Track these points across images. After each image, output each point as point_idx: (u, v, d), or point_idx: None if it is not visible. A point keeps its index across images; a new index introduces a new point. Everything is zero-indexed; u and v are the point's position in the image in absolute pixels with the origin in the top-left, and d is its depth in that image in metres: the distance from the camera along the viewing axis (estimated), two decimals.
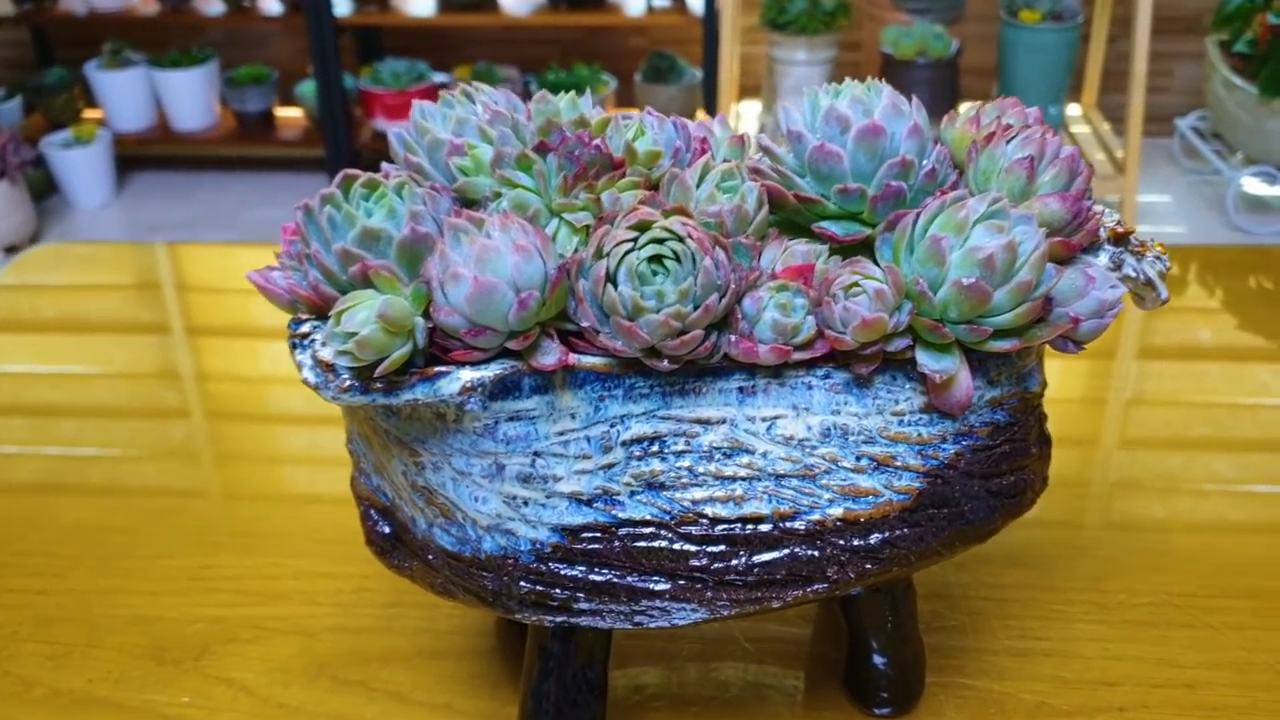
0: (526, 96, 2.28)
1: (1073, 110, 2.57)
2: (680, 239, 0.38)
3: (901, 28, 2.30)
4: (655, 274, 0.38)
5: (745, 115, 2.63)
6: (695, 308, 0.37)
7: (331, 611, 0.58)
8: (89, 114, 2.82)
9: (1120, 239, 0.44)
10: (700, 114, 2.59)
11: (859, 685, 0.51)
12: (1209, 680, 0.53)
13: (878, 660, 0.49)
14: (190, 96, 2.72)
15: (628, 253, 0.38)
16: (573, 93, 0.44)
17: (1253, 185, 2.42)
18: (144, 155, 2.83)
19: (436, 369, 0.37)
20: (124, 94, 2.72)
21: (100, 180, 2.68)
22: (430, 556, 0.42)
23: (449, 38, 2.84)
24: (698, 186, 0.41)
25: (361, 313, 0.36)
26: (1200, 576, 0.59)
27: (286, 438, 0.76)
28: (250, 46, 2.90)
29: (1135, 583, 0.58)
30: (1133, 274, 0.44)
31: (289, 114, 2.82)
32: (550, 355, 0.38)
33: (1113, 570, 0.59)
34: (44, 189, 2.65)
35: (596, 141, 0.41)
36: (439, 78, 2.69)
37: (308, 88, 2.67)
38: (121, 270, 1.00)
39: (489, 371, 0.38)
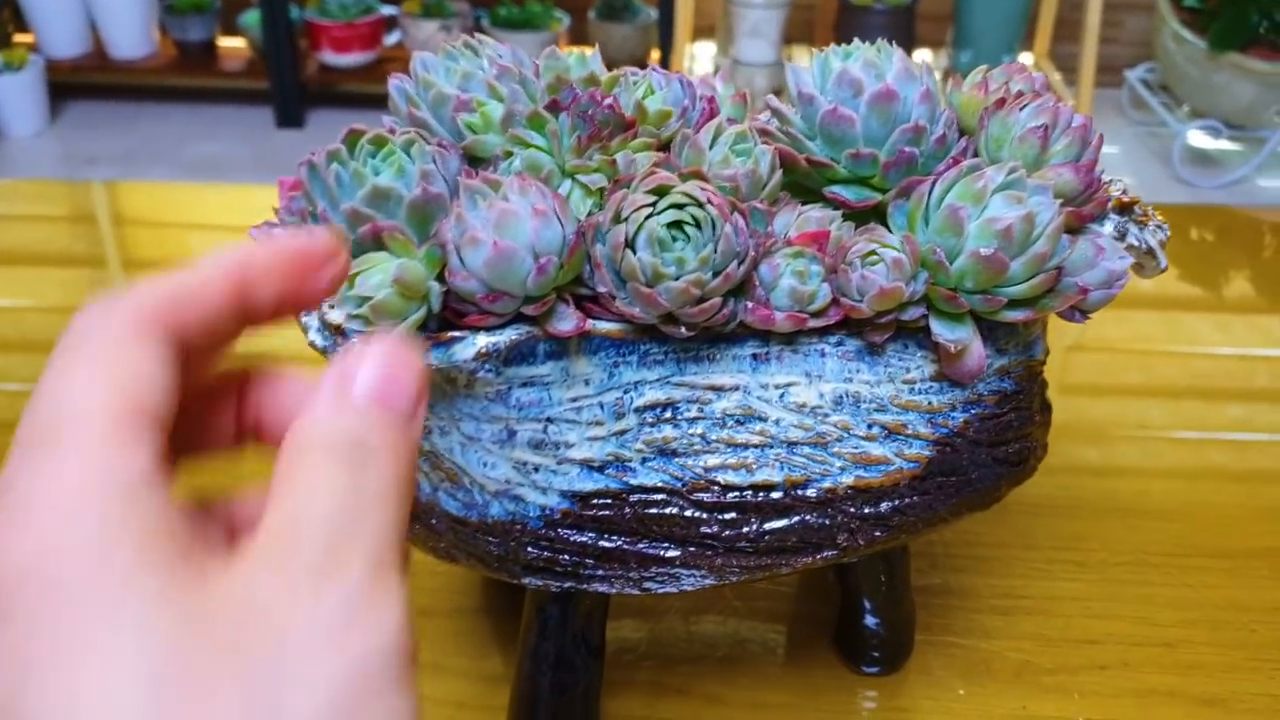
0: (477, 31, 2.24)
1: (1026, 59, 2.58)
2: (700, 204, 0.37)
3: None
4: (675, 240, 0.37)
5: (699, 56, 2.61)
6: (715, 275, 0.37)
7: None
8: (19, 38, 2.72)
9: (1125, 208, 0.44)
10: (654, 54, 2.56)
11: (850, 644, 0.51)
12: (1187, 639, 0.54)
13: (870, 620, 0.50)
14: (128, 23, 2.63)
15: (647, 218, 0.37)
16: (583, 49, 0.43)
17: (1198, 139, 2.45)
18: (79, 83, 2.74)
19: (451, 334, 0.36)
20: (56, 18, 2.63)
21: (33, 108, 2.59)
22: (434, 521, 0.42)
23: None
24: (710, 149, 0.41)
25: (376, 276, 0.35)
26: (1176, 537, 0.60)
27: None
28: None
29: (1114, 542, 0.59)
30: (1136, 243, 0.44)
31: (232, 44, 2.74)
32: (568, 321, 0.37)
33: (1092, 530, 0.60)
34: None
35: (609, 101, 0.40)
36: (387, 10, 2.63)
37: (251, 17, 2.60)
38: (56, 203, 0.98)
39: (504, 337, 0.37)
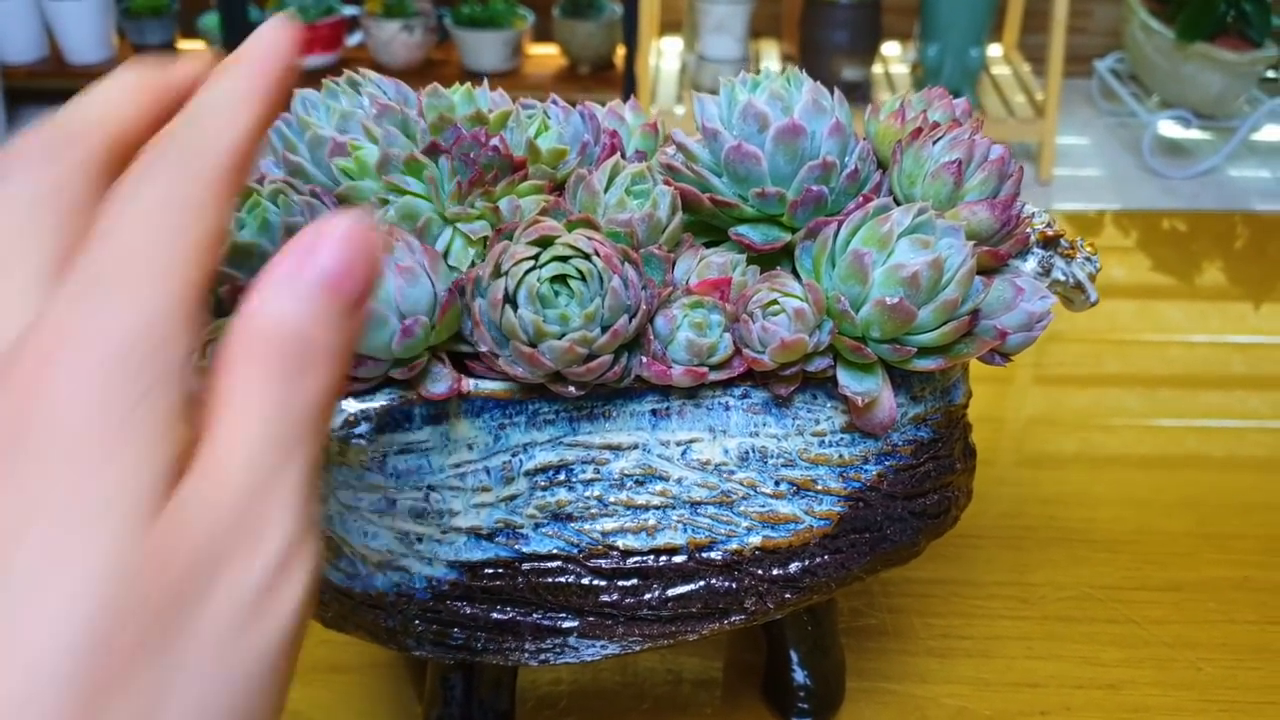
0: (440, 31, 2.22)
1: (994, 51, 2.56)
2: (586, 256, 0.35)
3: None
4: (558, 295, 0.35)
5: (666, 52, 2.58)
6: (603, 331, 0.34)
7: None
8: None
9: (1050, 242, 0.42)
10: (620, 51, 2.54)
11: (779, 696, 0.49)
12: (1131, 679, 0.52)
13: (798, 673, 0.48)
14: (85, 27, 2.59)
15: (528, 272, 0.34)
16: (468, 85, 0.40)
17: (1169, 129, 2.44)
18: (36, 89, 2.70)
19: None
20: (11, 23, 2.58)
21: None
22: (319, 591, 0.39)
23: None
24: (606, 191, 0.38)
25: None
26: (1123, 568, 0.58)
27: None
28: None
29: (1058, 575, 0.57)
30: (1062, 278, 0.42)
31: (191, 48, 2.70)
32: (441, 383, 0.35)
33: (1036, 561, 0.58)
34: None
35: (494, 141, 0.37)
36: (349, 11, 2.59)
37: (211, 20, 2.56)
38: None
39: (375, 403, 0.34)
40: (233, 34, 2.46)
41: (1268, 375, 0.76)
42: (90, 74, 2.60)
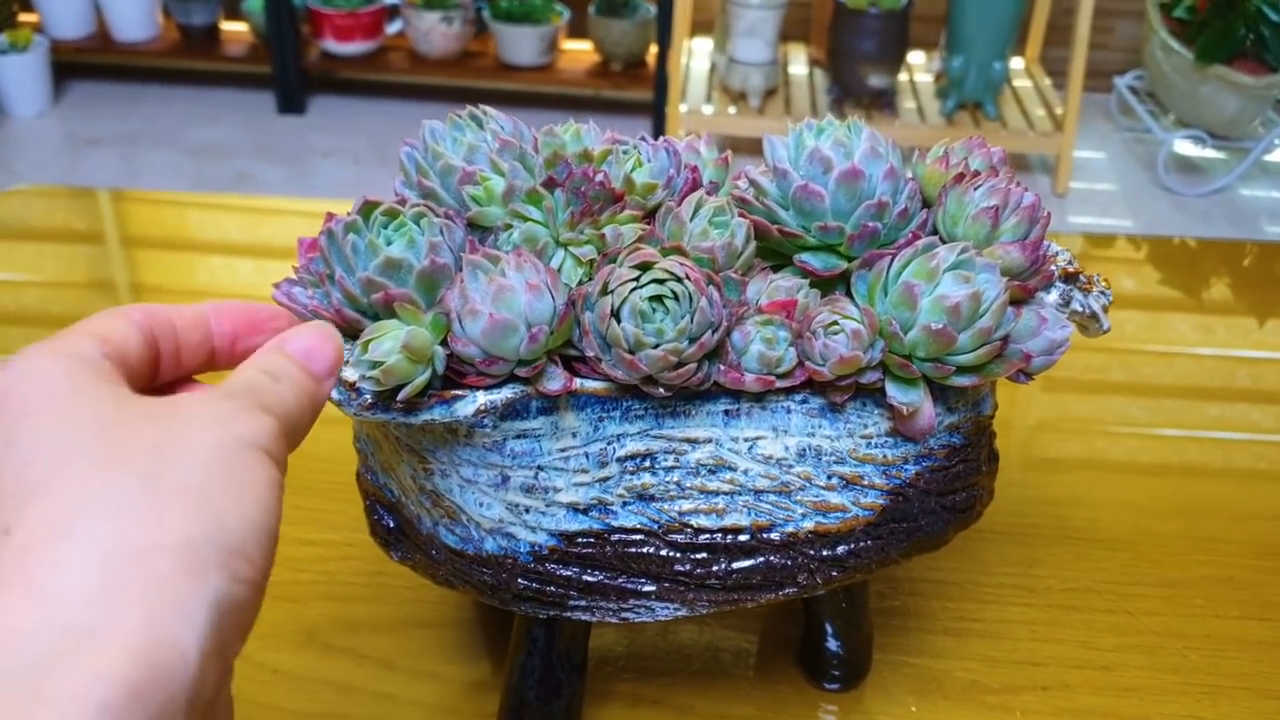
0: (478, 23, 2.29)
1: (1016, 64, 2.61)
2: (679, 279, 0.41)
3: None
4: (655, 312, 0.41)
5: (697, 52, 2.64)
6: (691, 343, 0.41)
7: (318, 579, 0.62)
8: (24, 19, 2.75)
9: (1070, 277, 0.49)
10: (652, 49, 2.59)
11: (813, 664, 0.56)
12: (1124, 663, 0.58)
13: (831, 643, 0.54)
14: (131, 5, 2.66)
15: (631, 291, 0.41)
16: (576, 126, 0.47)
17: (1183, 147, 2.49)
18: (83, 64, 2.77)
19: (453, 393, 0.41)
20: (61, 0, 2.66)
21: (37, 88, 2.62)
22: (433, 551, 0.46)
23: None
24: (691, 220, 0.45)
25: (387, 343, 0.39)
26: (1121, 565, 0.64)
27: None
28: None
29: (1063, 569, 0.64)
30: (1079, 309, 0.49)
31: (235, 29, 2.77)
32: (556, 381, 0.41)
33: (1043, 558, 0.65)
34: None
35: (599, 178, 0.44)
36: (389, 0, 2.66)
37: (254, 3, 2.63)
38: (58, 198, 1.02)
39: (500, 395, 0.41)
40: (276, 18, 2.53)
41: (1261, 390, 0.83)
42: (135, 51, 2.67)
